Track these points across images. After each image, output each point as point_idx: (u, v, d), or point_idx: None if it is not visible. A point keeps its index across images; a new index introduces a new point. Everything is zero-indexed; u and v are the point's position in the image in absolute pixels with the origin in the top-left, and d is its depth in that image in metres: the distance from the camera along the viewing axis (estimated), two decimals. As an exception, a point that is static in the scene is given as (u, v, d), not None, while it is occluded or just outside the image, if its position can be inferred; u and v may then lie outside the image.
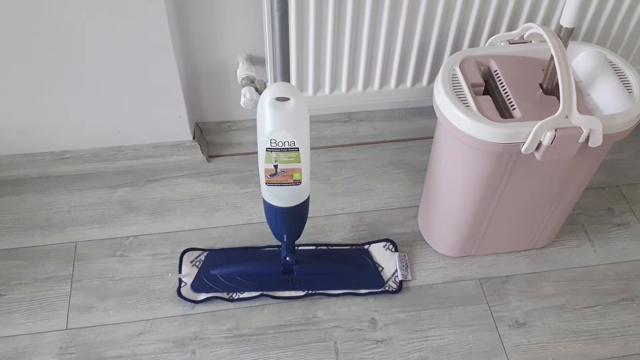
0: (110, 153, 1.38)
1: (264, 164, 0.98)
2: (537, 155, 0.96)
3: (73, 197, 1.34)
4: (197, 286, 1.19)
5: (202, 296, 1.17)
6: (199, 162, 1.40)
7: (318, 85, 1.24)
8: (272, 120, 0.91)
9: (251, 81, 1.23)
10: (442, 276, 1.23)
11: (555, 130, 0.91)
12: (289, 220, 1.08)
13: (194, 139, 1.38)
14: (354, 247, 1.26)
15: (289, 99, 0.90)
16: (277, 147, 0.95)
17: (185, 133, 1.36)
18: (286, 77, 0.94)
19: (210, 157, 1.42)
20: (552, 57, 0.94)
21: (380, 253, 1.25)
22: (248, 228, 1.29)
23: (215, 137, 1.43)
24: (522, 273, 1.24)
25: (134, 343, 1.12)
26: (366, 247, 1.26)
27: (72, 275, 1.21)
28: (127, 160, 1.39)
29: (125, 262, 1.24)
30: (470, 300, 1.19)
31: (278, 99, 0.91)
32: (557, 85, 0.92)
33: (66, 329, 1.14)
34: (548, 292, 1.21)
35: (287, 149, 0.95)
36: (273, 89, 0.90)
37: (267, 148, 0.95)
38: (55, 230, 1.28)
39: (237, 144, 1.44)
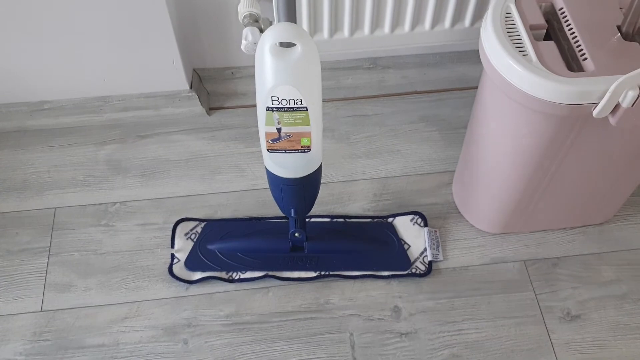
0: (94, 104, 1.25)
1: (264, 127, 0.84)
2: (612, 120, 0.80)
3: (53, 154, 1.23)
4: (191, 263, 1.08)
5: (198, 275, 1.07)
6: (198, 116, 1.28)
7: (335, 26, 1.11)
8: (273, 73, 0.78)
9: (255, 20, 1.05)
10: (480, 257, 1.11)
11: (640, 89, 0.75)
12: (297, 193, 0.94)
13: (191, 88, 1.25)
14: (375, 220, 1.14)
15: (295, 44, 0.75)
16: (280, 106, 0.81)
17: (180, 81, 1.22)
18: (291, 16, 0.81)
19: (211, 110, 1.30)
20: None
21: (406, 228, 1.12)
22: (253, 195, 1.17)
23: (217, 86, 1.30)
24: (576, 254, 1.11)
25: (117, 329, 1.03)
26: (390, 220, 1.14)
27: (50, 247, 1.11)
28: (115, 112, 1.26)
29: (110, 233, 1.13)
30: (513, 287, 1.08)
31: (281, 44, 0.77)
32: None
33: (41, 310, 1.04)
34: (607, 277, 1.09)
35: (293, 109, 0.81)
36: (274, 32, 0.75)
37: (267, 107, 0.81)
38: (32, 193, 1.17)
39: (243, 95, 1.30)
